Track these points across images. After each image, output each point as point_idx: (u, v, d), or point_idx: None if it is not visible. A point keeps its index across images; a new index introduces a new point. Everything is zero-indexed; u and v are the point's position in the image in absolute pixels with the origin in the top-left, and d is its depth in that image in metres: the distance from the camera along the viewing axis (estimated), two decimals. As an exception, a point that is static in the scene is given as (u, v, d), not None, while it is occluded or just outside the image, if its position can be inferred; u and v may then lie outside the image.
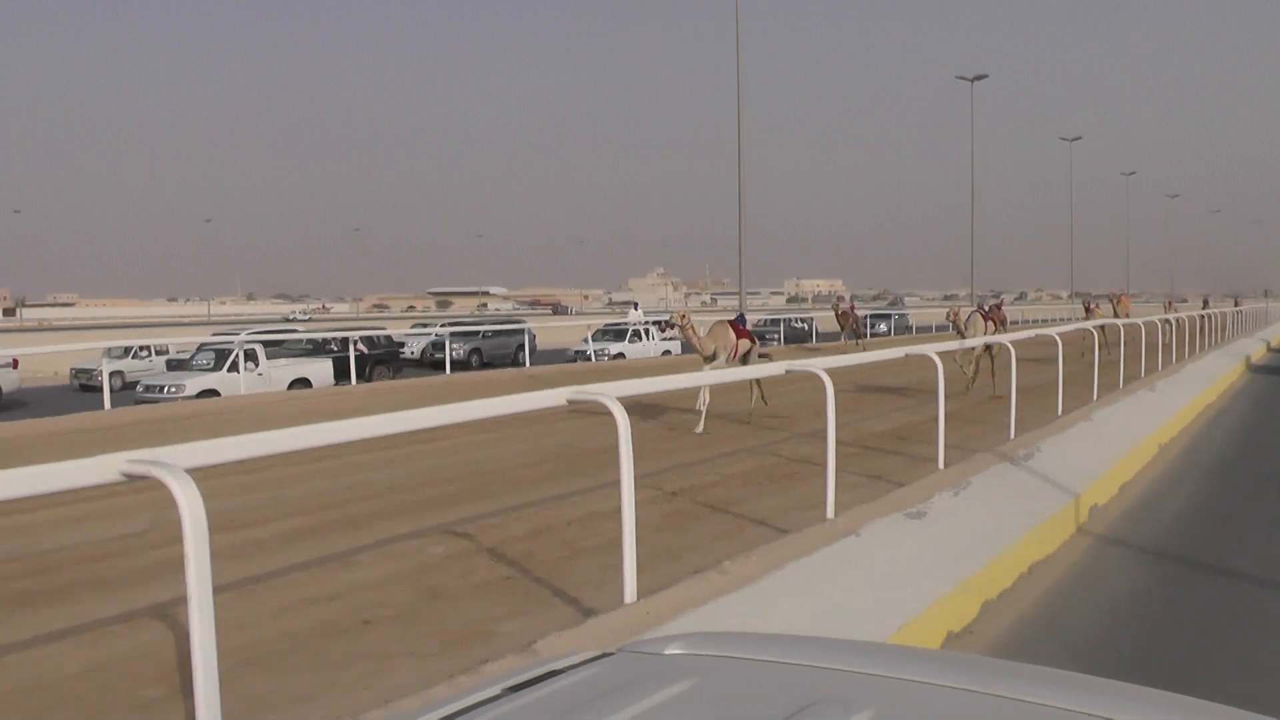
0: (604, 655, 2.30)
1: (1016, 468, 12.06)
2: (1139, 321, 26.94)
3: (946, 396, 12.08)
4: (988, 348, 21.00)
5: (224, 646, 4.46)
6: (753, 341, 19.20)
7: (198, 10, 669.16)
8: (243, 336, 31.39)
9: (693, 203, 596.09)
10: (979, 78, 71.52)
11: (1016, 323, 49.71)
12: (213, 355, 29.02)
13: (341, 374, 29.87)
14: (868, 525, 8.64)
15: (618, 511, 6.51)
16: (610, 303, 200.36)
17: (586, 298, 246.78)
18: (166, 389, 27.60)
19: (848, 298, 47.75)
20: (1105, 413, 16.70)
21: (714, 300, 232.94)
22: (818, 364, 9.54)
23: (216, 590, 4.09)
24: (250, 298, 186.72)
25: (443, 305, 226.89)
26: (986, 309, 24.25)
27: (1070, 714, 1.85)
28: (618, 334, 42.40)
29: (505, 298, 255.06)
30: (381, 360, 32.40)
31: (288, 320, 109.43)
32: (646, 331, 42.65)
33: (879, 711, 1.82)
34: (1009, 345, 15.50)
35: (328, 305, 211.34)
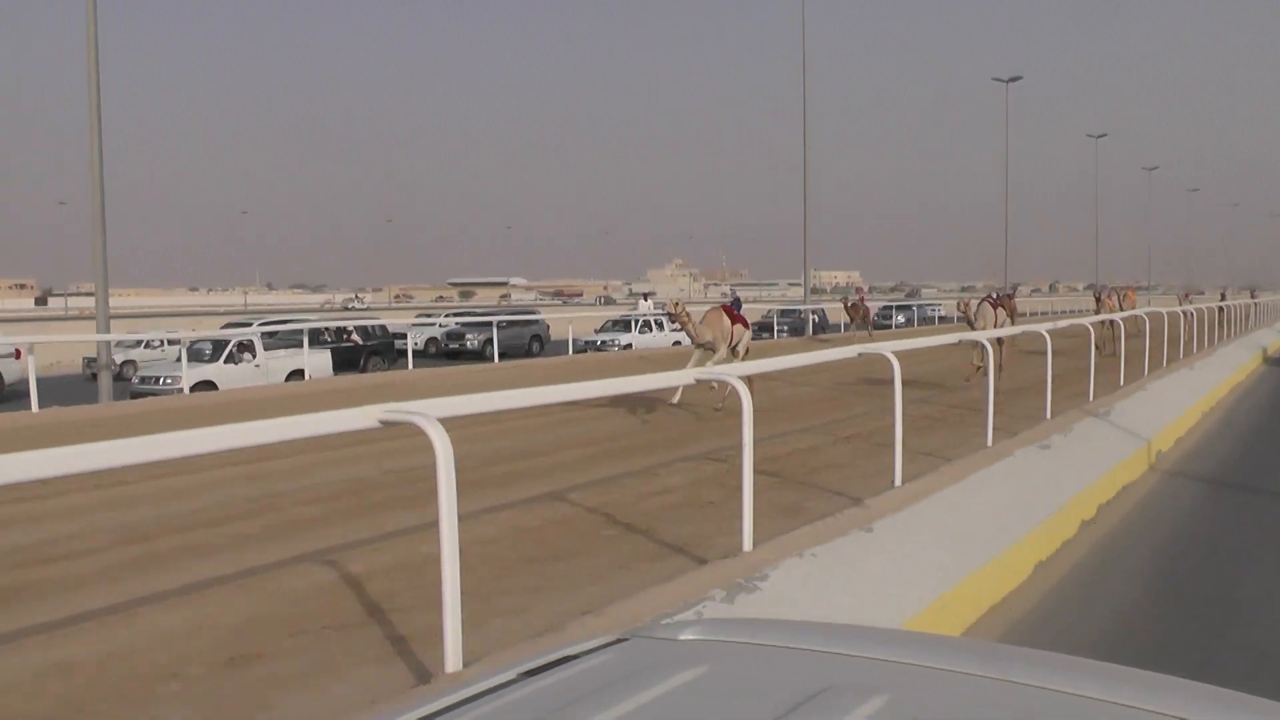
0: (619, 640, 2.30)
1: (1101, 421, 15.58)
2: (1162, 311, 27.94)
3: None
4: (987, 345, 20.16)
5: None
6: (746, 327, 18.55)
7: (223, 2, 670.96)
8: (254, 327, 30.67)
9: (711, 195, 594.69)
10: (1014, 79, 71.62)
11: (1024, 315, 48.99)
12: (209, 346, 28.10)
13: (341, 365, 29.16)
14: (1013, 454, 12.22)
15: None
16: (630, 294, 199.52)
17: (606, 288, 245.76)
18: (163, 380, 26.86)
19: (867, 289, 47.04)
20: (1157, 385, 20.31)
21: (732, 291, 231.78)
22: (886, 346, 10.80)
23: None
24: (270, 287, 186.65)
25: (465, 295, 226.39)
26: (995, 298, 23.45)
27: (1085, 700, 1.86)
28: (628, 325, 41.99)
29: (527, 288, 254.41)
30: (376, 351, 31.59)
31: (346, 309, 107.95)
32: (658, 323, 42.00)
33: (893, 697, 1.82)
34: (1090, 326, 19.29)
35: (360, 295, 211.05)
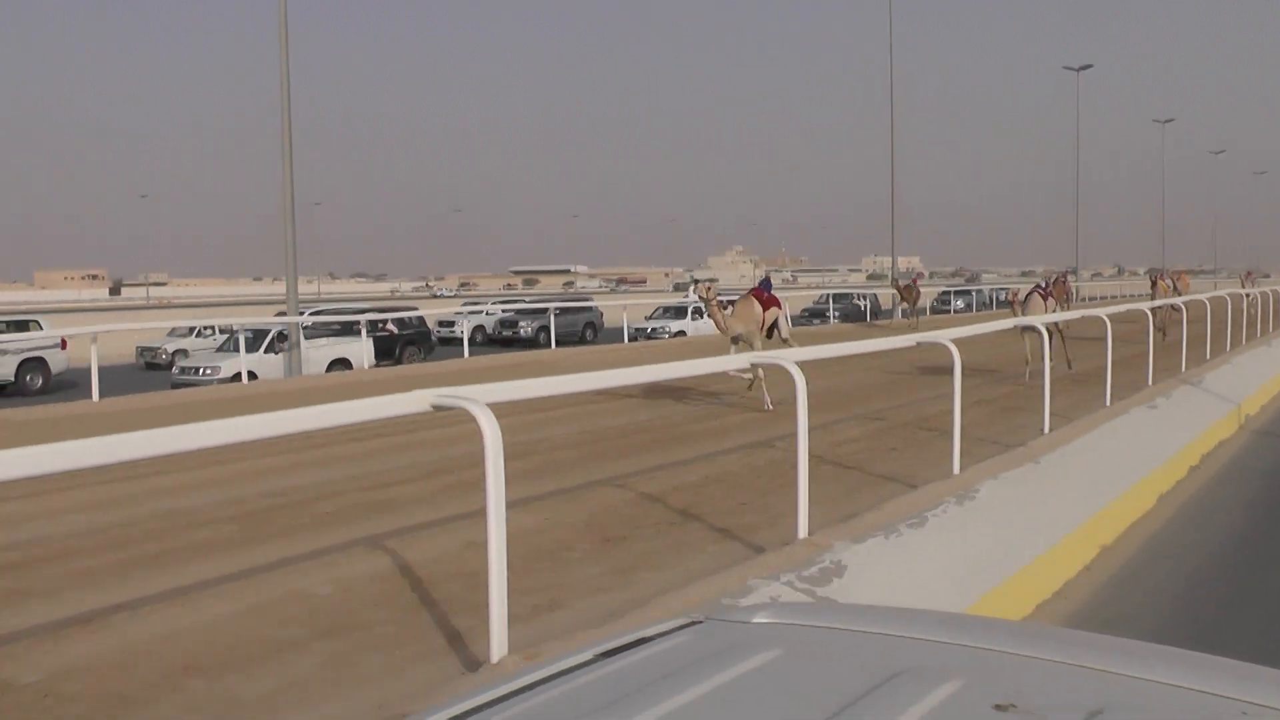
0: (693, 623, 2.28)
1: (1194, 388, 17.23)
2: (1205, 299, 26.72)
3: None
4: (1057, 326, 18.84)
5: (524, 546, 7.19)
6: (780, 306, 17.29)
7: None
8: (304, 317, 30.07)
9: (772, 182, 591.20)
10: (1084, 67, 70.97)
11: (1082, 299, 47.97)
12: (250, 337, 27.45)
13: (377, 356, 28.44)
14: (1129, 411, 13.81)
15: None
16: (692, 280, 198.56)
17: (668, 275, 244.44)
18: (203, 370, 26.30)
19: (927, 274, 46.05)
20: (1239, 359, 21.88)
21: (794, 278, 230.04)
22: (944, 335, 10.62)
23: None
24: (332, 277, 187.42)
25: (529, 284, 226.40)
26: (1044, 286, 22.20)
27: (1157, 685, 1.84)
28: (679, 311, 40.73)
29: (590, 276, 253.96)
30: (412, 341, 30.57)
31: (435, 296, 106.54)
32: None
33: (966, 682, 1.80)
34: (1181, 305, 20.63)
35: (431, 283, 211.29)
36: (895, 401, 17.16)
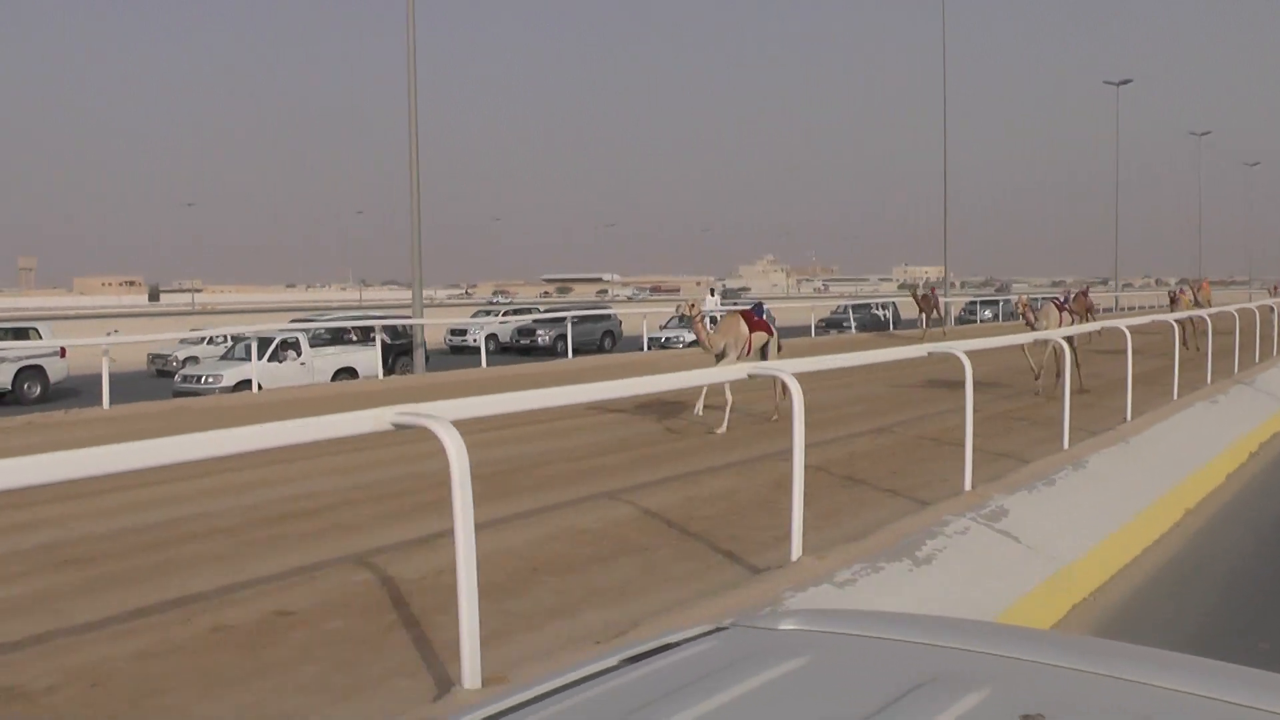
0: (718, 629, 2.26)
1: (1248, 387, 18.81)
2: (1250, 308, 26.52)
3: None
4: (1071, 342, 18.08)
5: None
6: (770, 334, 16.41)
7: (324, 6, 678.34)
8: (305, 324, 29.47)
9: (804, 191, 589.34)
10: (1124, 82, 70.86)
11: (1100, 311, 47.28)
12: (254, 344, 26.86)
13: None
14: (1193, 405, 15.76)
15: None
16: (724, 290, 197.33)
17: (699, 284, 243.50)
18: (204, 379, 25.73)
19: (958, 284, 45.51)
20: None
21: (825, 287, 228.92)
22: (958, 346, 10.42)
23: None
24: (364, 283, 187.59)
25: (563, 291, 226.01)
26: (1063, 298, 21.38)
27: (1188, 697, 1.82)
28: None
29: (622, 284, 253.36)
30: (405, 351, 29.36)
31: (492, 303, 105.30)
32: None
33: (993, 691, 1.79)
34: (1206, 318, 20.93)
35: (470, 290, 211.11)
36: (906, 415, 16.65)
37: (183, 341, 34.21)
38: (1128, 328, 15.32)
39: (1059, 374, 18.03)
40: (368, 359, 27.51)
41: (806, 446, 7.40)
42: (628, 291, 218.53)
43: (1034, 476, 10.23)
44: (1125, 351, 13.74)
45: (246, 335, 27.14)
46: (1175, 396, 16.44)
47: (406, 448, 12.36)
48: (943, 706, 1.70)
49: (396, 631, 6.62)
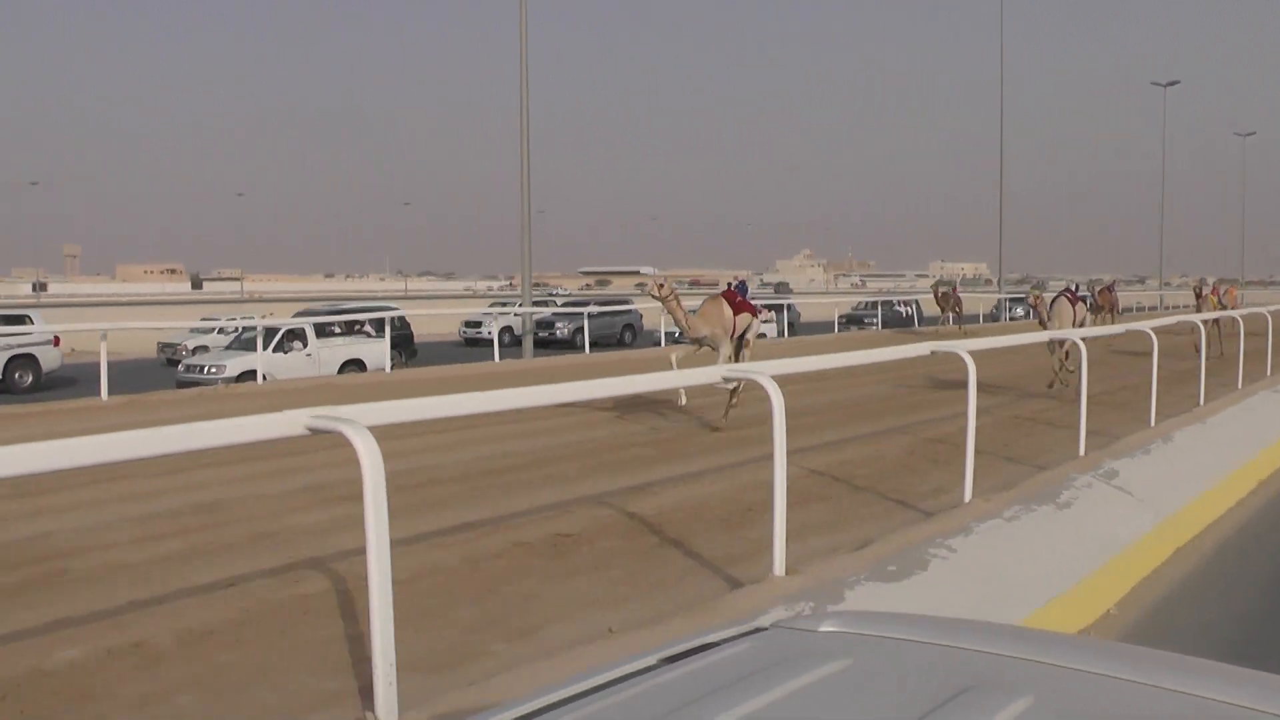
0: (757, 630, 2.24)
1: None
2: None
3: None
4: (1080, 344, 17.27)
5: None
6: (754, 314, 15.39)
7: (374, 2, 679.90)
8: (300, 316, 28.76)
9: (842, 186, 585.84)
10: (1171, 83, 70.41)
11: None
12: (260, 335, 26.27)
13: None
14: (1256, 394, 17.03)
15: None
16: (761, 284, 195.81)
17: (736, 278, 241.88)
18: (207, 369, 25.18)
19: (995, 280, 46.23)
20: None
21: (863, 282, 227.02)
22: (961, 346, 9.88)
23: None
24: (400, 274, 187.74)
25: (602, 284, 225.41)
26: (1074, 290, 20.36)
27: (1233, 709, 1.76)
28: None
29: (661, 277, 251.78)
30: (395, 344, 28.56)
31: (552, 295, 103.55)
32: None
33: (1038, 698, 1.75)
34: (1200, 324, 18.22)
35: (514, 282, 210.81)
36: (910, 419, 15.72)
37: (194, 330, 33.78)
38: (1152, 329, 14.72)
39: (1071, 370, 17.34)
40: (376, 351, 26.88)
41: (918, 423, 11.09)
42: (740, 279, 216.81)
43: (1132, 447, 11.77)
44: (1079, 359, 12.71)
45: (255, 325, 26.66)
46: (1239, 385, 17.74)
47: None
48: (988, 714, 1.66)
49: (663, 549, 8.14)
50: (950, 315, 37.09)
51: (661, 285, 14.97)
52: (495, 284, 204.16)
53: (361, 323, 28.63)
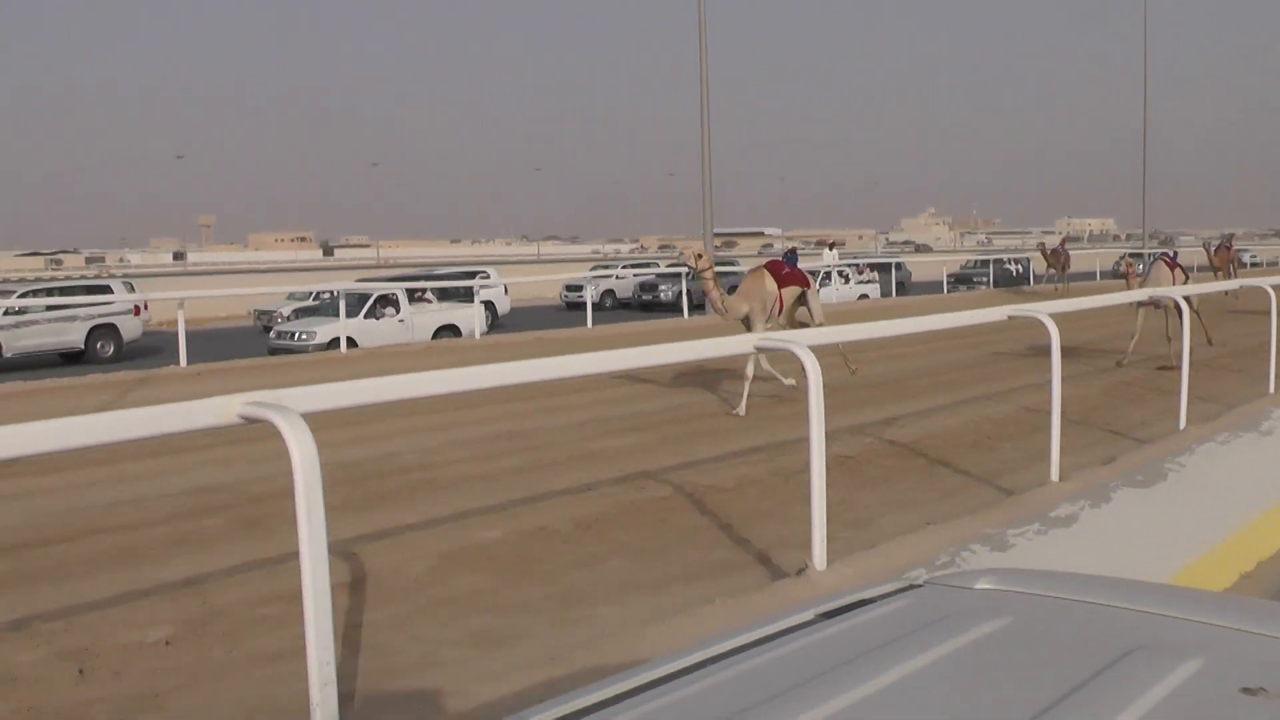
0: (911, 587, 2.19)
1: None
2: None
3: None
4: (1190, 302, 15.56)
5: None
6: (806, 285, 13.72)
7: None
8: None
9: (968, 142, 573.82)
10: None
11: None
12: (355, 300, 25.98)
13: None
14: None
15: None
16: (888, 243, 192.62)
17: (861, 238, 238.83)
18: (297, 336, 24.97)
19: (1124, 236, 43.60)
20: None
21: (988, 240, 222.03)
22: (1042, 309, 9.06)
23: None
24: (526, 239, 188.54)
25: (729, 245, 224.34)
26: (1172, 256, 18.79)
27: None
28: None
29: (785, 238, 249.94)
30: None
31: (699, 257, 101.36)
32: (842, 274, 37.55)
33: (1207, 662, 1.66)
34: None
35: (644, 245, 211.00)
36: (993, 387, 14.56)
37: (291, 296, 33.74)
38: (1272, 286, 13.47)
39: (1173, 338, 15.81)
40: (469, 316, 26.49)
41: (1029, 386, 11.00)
42: (790, 245, 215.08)
43: (1269, 404, 11.79)
44: (1181, 326, 11.61)
45: (352, 291, 26.43)
46: None
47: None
48: (1156, 677, 1.58)
49: (935, 467, 9.38)
50: (1057, 271, 35.42)
51: (700, 255, 12.93)
52: (623, 247, 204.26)
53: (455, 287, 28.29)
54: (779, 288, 13.23)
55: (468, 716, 4.60)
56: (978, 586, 2.14)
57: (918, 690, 1.62)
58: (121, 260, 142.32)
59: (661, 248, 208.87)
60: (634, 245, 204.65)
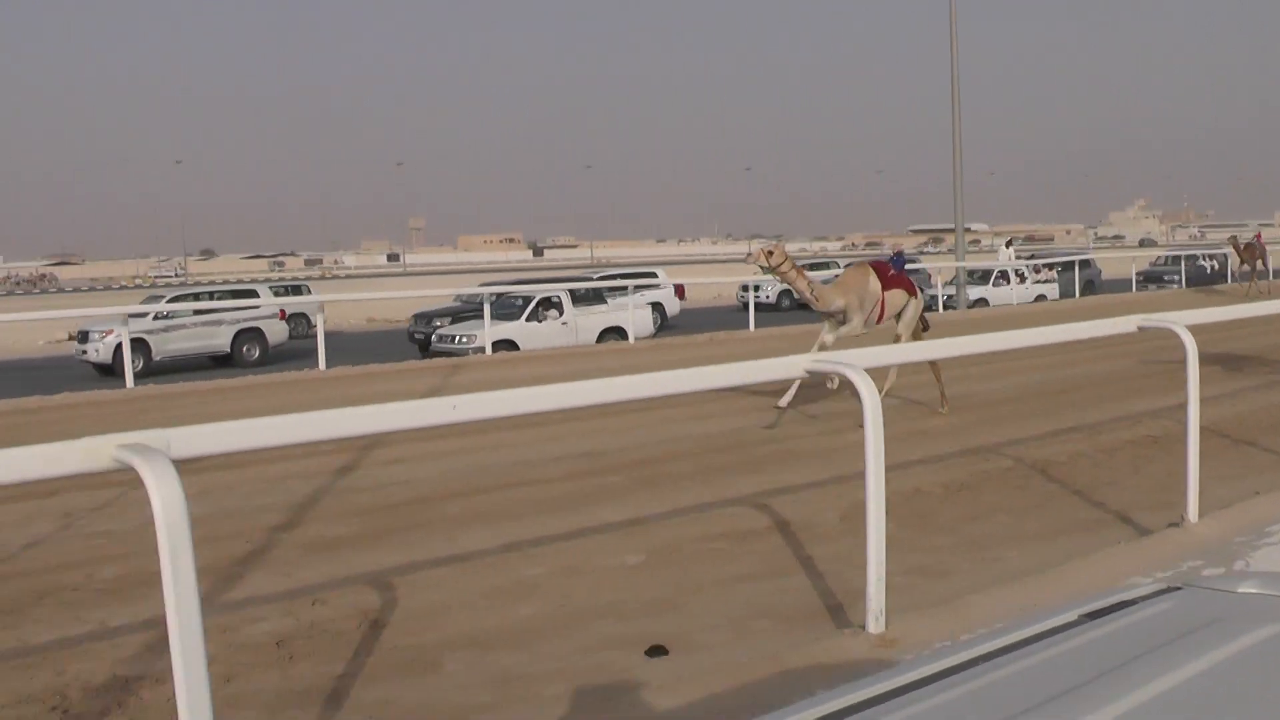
0: (1171, 589, 2.11)
1: None
2: None
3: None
4: None
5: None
6: (912, 293, 12.71)
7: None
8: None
9: (1175, 128, 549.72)
10: None
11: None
12: (519, 303, 25.93)
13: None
14: None
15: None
16: (1096, 237, 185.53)
17: (1069, 233, 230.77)
18: (459, 339, 24.99)
19: None
20: None
21: (1201, 234, 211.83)
22: (1177, 319, 7.84)
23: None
24: (729, 237, 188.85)
25: (936, 241, 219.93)
26: None
27: None
28: (983, 276, 35.09)
29: (991, 234, 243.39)
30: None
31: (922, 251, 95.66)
32: (1019, 274, 35.53)
33: None
34: None
35: (854, 243, 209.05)
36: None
37: (458, 298, 33.92)
38: None
39: None
40: (638, 318, 26.21)
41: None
42: (1001, 241, 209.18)
43: None
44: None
45: (515, 294, 26.45)
46: None
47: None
48: None
49: (1066, 495, 8.74)
50: (1250, 267, 32.40)
51: (770, 253, 12.08)
52: (828, 244, 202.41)
53: (623, 289, 28.12)
54: (883, 289, 12.32)
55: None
56: (1240, 590, 2.07)
57: (1189, 699, 1.55)
58: (336, 263, 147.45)
59: (869, 245, 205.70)
60: (842, 243, 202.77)
